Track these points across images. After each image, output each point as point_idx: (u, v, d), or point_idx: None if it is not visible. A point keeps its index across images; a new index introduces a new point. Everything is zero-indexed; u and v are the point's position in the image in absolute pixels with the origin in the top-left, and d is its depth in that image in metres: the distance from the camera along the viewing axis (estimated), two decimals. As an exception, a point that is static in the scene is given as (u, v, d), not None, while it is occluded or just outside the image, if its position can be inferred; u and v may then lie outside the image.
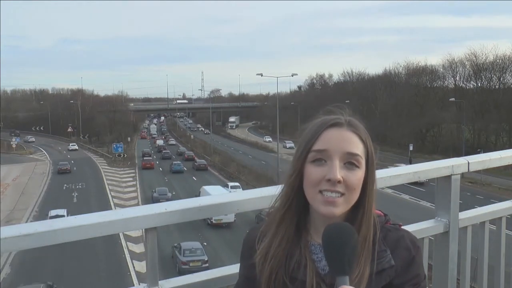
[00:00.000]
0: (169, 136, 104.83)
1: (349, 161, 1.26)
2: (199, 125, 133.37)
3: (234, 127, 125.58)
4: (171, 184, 46.88)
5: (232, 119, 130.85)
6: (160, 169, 57.79)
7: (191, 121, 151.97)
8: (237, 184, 42.04)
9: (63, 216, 35.02)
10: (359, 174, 1.26)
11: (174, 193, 41.26)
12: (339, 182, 1.23)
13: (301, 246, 1.32)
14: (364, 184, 1.28)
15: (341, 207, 1.25)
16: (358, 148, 1.28)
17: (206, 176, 52.24)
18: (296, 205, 1.33)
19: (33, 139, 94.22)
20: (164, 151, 73.07)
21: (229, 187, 39.68)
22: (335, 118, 1.31)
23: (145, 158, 63.54)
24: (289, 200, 1.33)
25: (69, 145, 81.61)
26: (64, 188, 47.01)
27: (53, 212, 32.82)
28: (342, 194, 1.25)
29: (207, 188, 36.51)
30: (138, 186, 47.73)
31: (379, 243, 1.30)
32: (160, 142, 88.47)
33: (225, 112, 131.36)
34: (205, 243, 28.06)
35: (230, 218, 30.51)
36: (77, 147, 79.20)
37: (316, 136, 1.29)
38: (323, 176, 1.24)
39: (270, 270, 1.31)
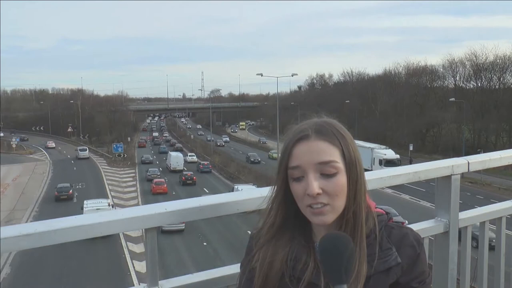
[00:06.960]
0: (165, 131, 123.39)
1: (325, 169, 1.25)
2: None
3: None
4: (157, 158, 65.64)
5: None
6: (152, 152, 75.82)
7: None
8: (193, 154, 65.77)
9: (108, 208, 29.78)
10: (338, 180, 1.26)
11: (157, 162, 61.71)
12: (318, 194, 1.24)
13: (308, 248, 1.33)
14: (349, 185, 1.27)
15: (330, 215, 1.26)
16: (330, 154, 1.26)
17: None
18: (290, 214, 1.35)
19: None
20: (156, 139, 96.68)
21: (188, 156, 63.07)
22: (300, 132, 1.29)
23: (140, 140, 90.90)
24: (282, 211, 1.35)
25: (77, 150, 69.80)
26: (64, 188, 46.96)
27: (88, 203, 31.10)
28: (327, 204, 1.25)
29: (171, 152, 61.23)
30: (138, 186, 47.81)
31: (384, 241, 1.31)
32: (155, 134, 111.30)
33: (225, 112, 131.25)
34: (205, 243, 28.08)
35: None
36: (88, 155, 67.65)
37: (288, 153, 1.29)
38: (304, 192, 1.25)
39: (267, 274, 1.32)
